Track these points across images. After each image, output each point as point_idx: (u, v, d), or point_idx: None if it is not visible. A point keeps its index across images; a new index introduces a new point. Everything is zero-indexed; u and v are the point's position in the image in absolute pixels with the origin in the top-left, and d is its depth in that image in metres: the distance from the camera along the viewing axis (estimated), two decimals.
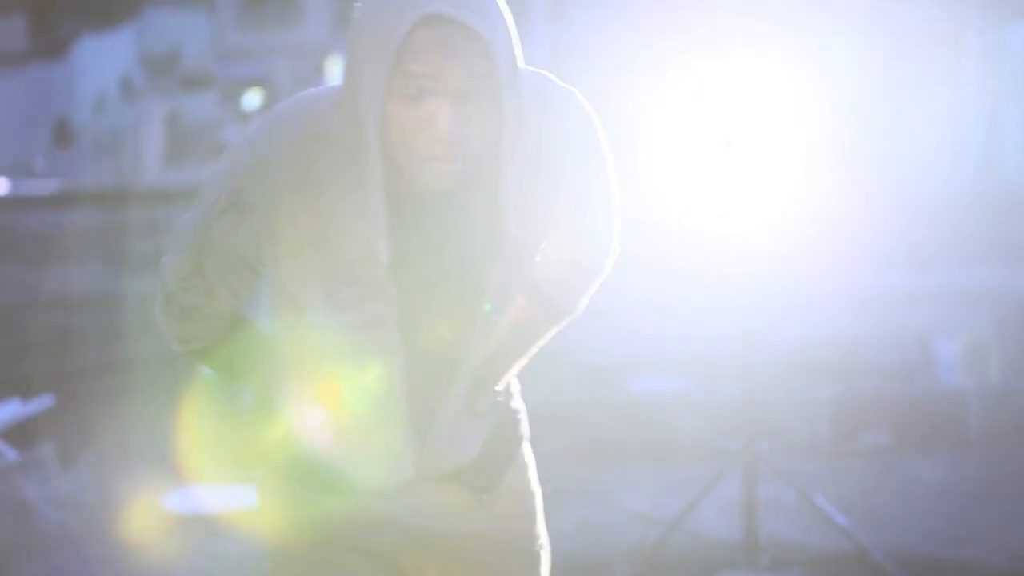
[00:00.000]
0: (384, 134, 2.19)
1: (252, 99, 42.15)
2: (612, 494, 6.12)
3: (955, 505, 5.97)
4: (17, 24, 41.80)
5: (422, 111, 2.17)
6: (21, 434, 6.80)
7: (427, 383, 2.45)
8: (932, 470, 6.41)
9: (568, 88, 2.42)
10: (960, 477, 6.35)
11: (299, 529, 2.56)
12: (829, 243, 13.10)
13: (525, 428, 2.72)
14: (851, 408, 6.61)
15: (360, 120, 2.19)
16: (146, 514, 5.98)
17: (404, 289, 2.34)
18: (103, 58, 42.85)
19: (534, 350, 2.64)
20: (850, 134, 26.42)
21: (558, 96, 2.39)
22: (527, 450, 2.72)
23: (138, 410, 7.57)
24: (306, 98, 2.34)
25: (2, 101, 39.09)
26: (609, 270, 2.67)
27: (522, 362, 2.63)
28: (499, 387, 2.58)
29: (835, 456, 6.55)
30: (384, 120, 2.18)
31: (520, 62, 2.24)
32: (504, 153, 2.24)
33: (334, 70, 39.36)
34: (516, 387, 2.71)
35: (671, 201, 4.66)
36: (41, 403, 7.11)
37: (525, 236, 2.37)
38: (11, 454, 6.44)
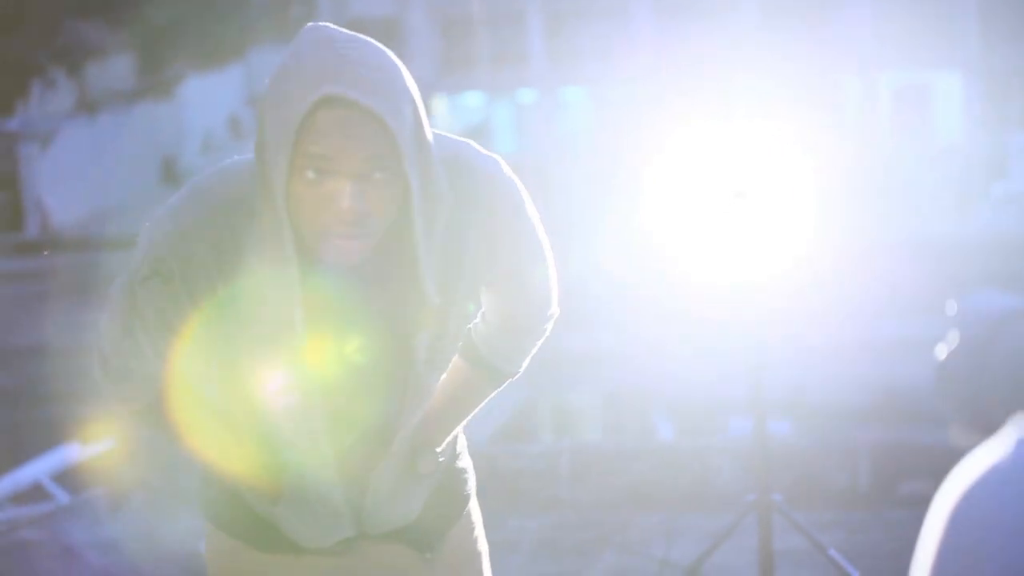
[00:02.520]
0: (291, 209, 2.21)
1: None
2: (649, 541, 6.11)
3: None
4: (125, 63, 42.38)
5: (323, 190, 2.17)
6: (77, 477, 6.91)
7: (362, 446, 2.48)
8: None
9: (491, 156, 2.43)
10: None
11: None
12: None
13: (471, 486, 2.74)
14: (891, 455, 6.54)
15: (270, 194, 2.21)
16: (189, 559, 6.04)
17: (328, 356, 2.37)
18: (211, 98, 43.39)
19: (476, 411, 2.67)
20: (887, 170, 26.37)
21: (480, 165, 2.40)
22: (474, 508, 2.75)
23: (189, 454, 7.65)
24: (229, 167, 2.37)
25: (110, 140, 39.67)
26: (550, 331, 2.69)
27: (464, 423, 2.66)
28: (441, 448, 2.61)
29: (874, 504, 6.47)
30: (290, 197, 2.19)
31: (428, 136, 2.24)
32: (415, 225, 2.25)
33: (438, 110, 39.55)
34: (463, 445, 2.74)
35: (683, 252, 4.63)
36: (99, 447, 7.21)
37: (451, 304, 2.39)
38: (63, 497, 6.55)
